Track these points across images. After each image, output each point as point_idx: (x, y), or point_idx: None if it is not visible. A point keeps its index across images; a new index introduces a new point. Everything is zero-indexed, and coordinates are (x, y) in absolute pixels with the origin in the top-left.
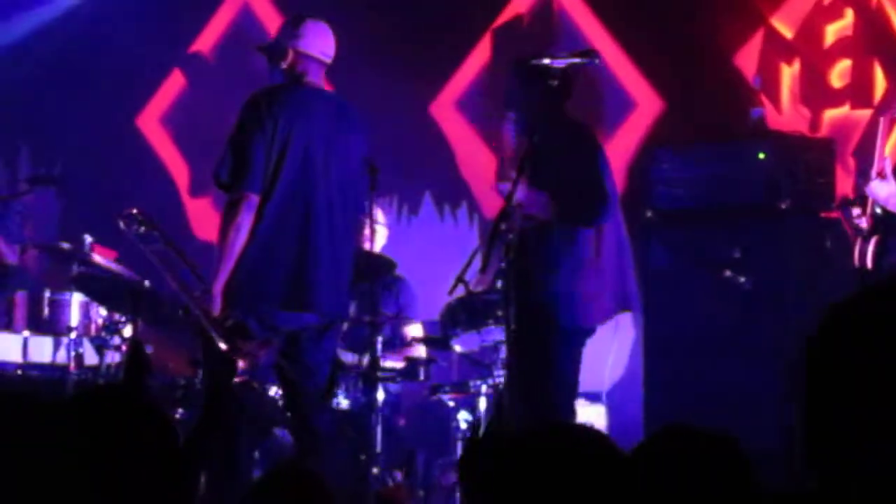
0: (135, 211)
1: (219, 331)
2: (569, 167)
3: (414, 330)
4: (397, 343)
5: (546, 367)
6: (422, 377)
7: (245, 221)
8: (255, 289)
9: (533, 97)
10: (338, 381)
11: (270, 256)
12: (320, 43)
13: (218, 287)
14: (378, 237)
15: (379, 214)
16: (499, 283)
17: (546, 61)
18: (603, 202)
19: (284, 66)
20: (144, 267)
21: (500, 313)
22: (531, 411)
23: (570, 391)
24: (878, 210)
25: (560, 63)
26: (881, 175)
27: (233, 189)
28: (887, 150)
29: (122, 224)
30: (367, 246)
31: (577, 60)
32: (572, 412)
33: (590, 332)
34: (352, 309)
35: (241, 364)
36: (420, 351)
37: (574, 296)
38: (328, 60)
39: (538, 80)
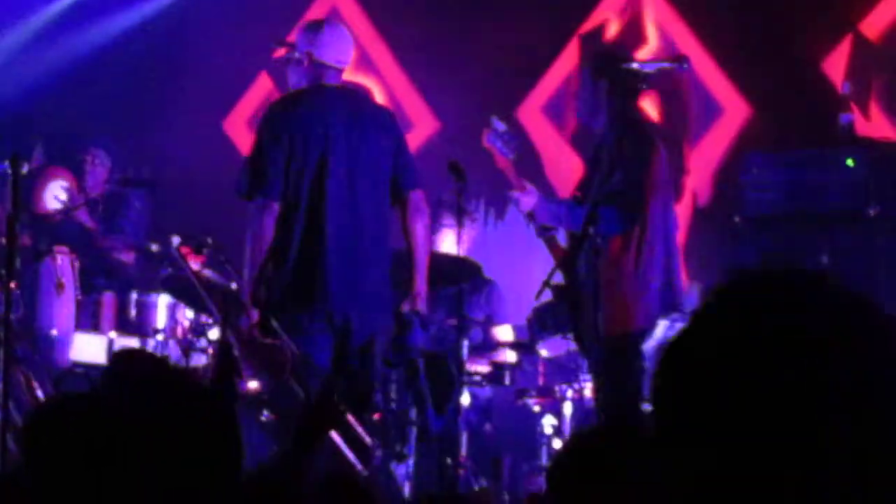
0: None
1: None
2: (624, 168)
3: (503, 333)
4: (486, 347)
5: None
6: (508, 381)
7: (265, 229)
8: (302, 290)
9: (611, 99)
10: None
11: (307, 258)
12: (336, 50)
13: (246, 296)
14: (463, 240)
15: (465, 218)
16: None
17: (635, 65)
18: (640, 207)
19: (301, 71)
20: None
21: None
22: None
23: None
24: None
25: (649, 67)
26: None
27: (251, 198)
28: None
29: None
30: (453, 249)
31: (666, 65)
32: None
33: (644, 332)
34: (440, 312)
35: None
36: (508, 355)
37: (624, 297)
38: (345, 67)
39: (615, 82)
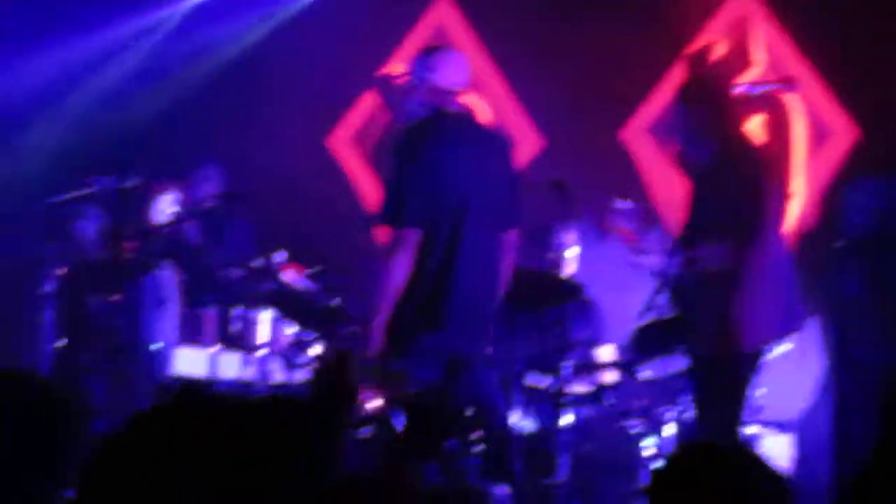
0: None
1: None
2: (734, 193)
3: (605, 354)
4: (588, 368)
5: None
6: (608, 402)
7: (405, 258)
8: (428, 315)
9: (706, 124)
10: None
11: (441, 286)
12: (452, 74)
13: (378, 323)
14: (570, 260)
15: (571, 237)
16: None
17: (744, 88)
18: (759, 232)
19: (418, 98)
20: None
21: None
22: (717, 437)
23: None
24: None
25: (758, 89)
26: None
27: (394, 226)
28: None
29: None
30: (557, 269)
31: (774, 87)
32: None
33: (762, 353)
34: (543, 334)
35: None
36: (608, 376)
37: (745, 318)
38: (462, 88)
39: (714, 106)
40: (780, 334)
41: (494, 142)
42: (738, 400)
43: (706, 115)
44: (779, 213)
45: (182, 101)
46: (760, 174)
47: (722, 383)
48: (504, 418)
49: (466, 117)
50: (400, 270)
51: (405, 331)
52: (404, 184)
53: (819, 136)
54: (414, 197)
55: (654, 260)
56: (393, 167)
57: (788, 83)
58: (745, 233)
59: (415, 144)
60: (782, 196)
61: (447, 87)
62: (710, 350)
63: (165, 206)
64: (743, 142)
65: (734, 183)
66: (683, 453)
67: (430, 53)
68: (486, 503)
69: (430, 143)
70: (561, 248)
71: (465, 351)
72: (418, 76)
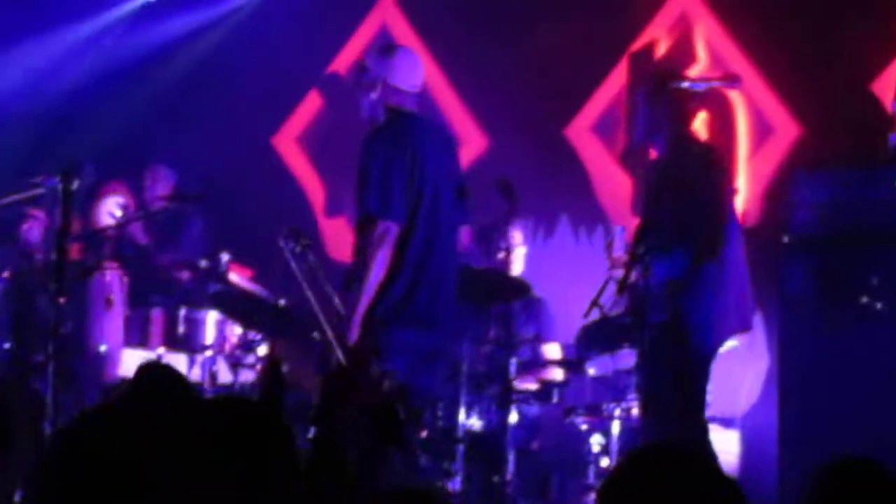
0: (296, 228)
1: (348, 356)
2: (692, 192)
3: (551, 351)
4: (535, 365)
5: (679, 389)
6: (555, 400)
7: (389, 251)
8: (404, 314)
9: (665, 119)
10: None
11: (417, 282)
12: (410, 74)
13: (358, 316)
14: (516, 259)
15: (517, 236)
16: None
17: (686, 84)
18: (720, 233)
19: (374, 96)
20: (280, 285)
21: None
22: (668, 434)
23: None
24: None
25: (701, 86)
26: None
27: (380, 220)
28: None
29: (282, 240)
30: (505, 267)
31: (717, 84)
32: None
33: (715, 353)
34: (490, 331)
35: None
36: (555, 373)
37: (701, 318)
38: (417, 90)
39: (673, 102)
40: (731, 333)
41: (450, 142)
42: (693, 400)
43: (667, 111)
44: (733, 210)
45: (131, 101)
46: (719, 170)
47: (676, 383)
48: (456, 416)
49: (425, 117)
50: (385, 263)
51: (381, 325)
52: (392, 179)
53: (762, 132)
54: (399, 191)
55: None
56: (374, 162)
57: (731, 80)
58: (701, 230)
59: (390, 142)
60: (733, 193)
61: (406, 87)
62: (665, 349)
63: (112, 208)
64: (699, 138)
65: (692, 179)
66: (634, 456)
67: (390, 52)
68: (438, 500)
69: (406, 141)
70: (508, 246)
71: (441, 347)
72: (377, 74)
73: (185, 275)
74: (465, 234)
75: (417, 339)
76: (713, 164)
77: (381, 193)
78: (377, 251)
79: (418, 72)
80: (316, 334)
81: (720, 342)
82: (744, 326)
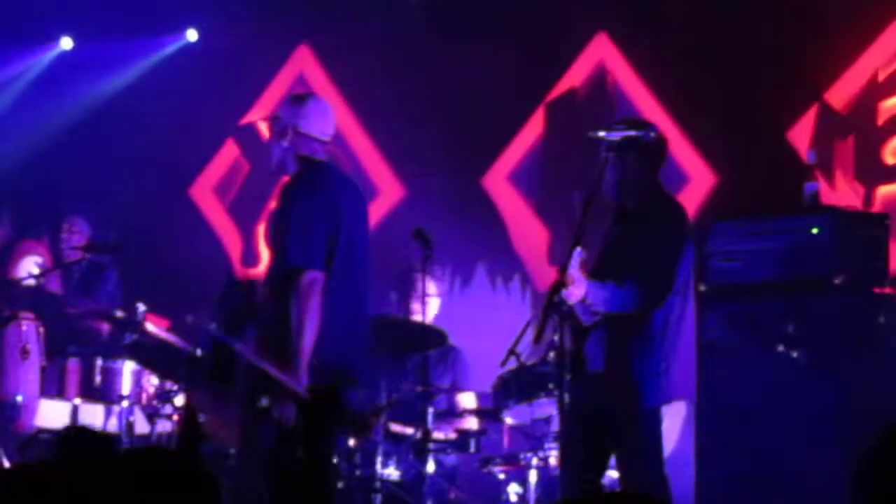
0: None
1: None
2: (655, 246)
3: (467, 400)
4: (451, 414)
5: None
6: (473, 449)
7: (318, 301)
8: (349, 360)
9: (640, 172)
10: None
11: (346, 328)
12: (321, 123)
13: (302, 365)
14: (431, 308)
15: (431, 286)
16: (551, 356)
17: (601, 133)
18: (666, 289)
19: (286, 144)
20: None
21: (551, 386)
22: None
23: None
24: None
25: (615, 135)
26: None
27: (305, 271)
28: None
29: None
30: (419, 317)
31: (632, 133)
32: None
33: (654, 411)
34: (405, 381)
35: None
36: (472, 422)
37: (651, 368)
38: (328, 139)
39: (642, 152)
40: (678, 395)
41: (360, 192)
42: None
43: (630, 163)
44: (690, 273)
45: (47, 150)
46: (683, 229)
47: (637, 437)
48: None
49: (336, 166)
50: (317, 314)
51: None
52: (309, 228)
53: (678, 182)
54: (319, 241)
55: (578, 291)
56: (292, 213)
57: (646, 129)
58: (660, 282)
59: (309, 189)
60: (692, 254)
61: (317, 135)
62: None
63: (30, 268)
64: (667, 192)
65: (657, 234)
66: None
67: (301, 101)
68: None
69: (321, 189)
70: (423, 296)
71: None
72: (289, 122)
73: (103, 325)
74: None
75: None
76: (678, 220)
77: (301, 244)
78: (307, 302)
79: (330, 120)
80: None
81: (663, 400)
82: (688, 394)
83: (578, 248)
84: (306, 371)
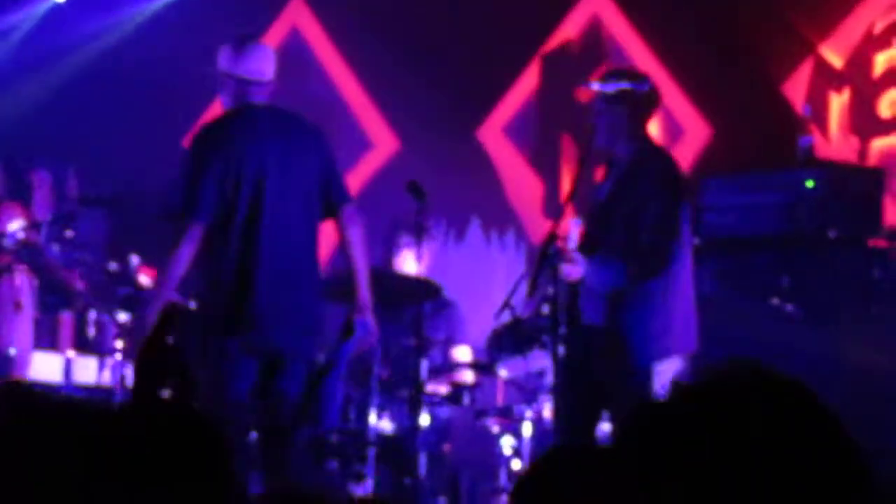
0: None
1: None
2: (648, 204)
3: (462, 354)
4: (446, 368)
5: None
6: (466, 402)
7: (187, 251)
8: (236, 314)
9: (632, 125)
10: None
11: (241, 283)
12: (257, 65)
13: (152, 311)
14: (423, 262)
15: (425, 239)
16: (545, 309)
17: (595, 85)
18: (669, 250)
19: (227, 90)
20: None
21: (545, 339)
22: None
23: None
24: None
25: (609, 87)
26: None
27: (182, 218)
28: None
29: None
30: (411, 270)
31: (625, 85)
32: None
33: (647, 369)
34: (400, 333)
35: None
36: (466, 376)
37: (643, 331)
38: (268, 79)
39: (634, 106)
40: (672, 353)
41: (301, 131)
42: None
43: (622, 114)
44: (686, 227)
45: (40, 103)
46: (677, 183)
47: (630, 393)
48: (366, 419)
49: (277, 111)
50: (184, 262)
51: (214, 336)
52: (198, 179)
53: (673, 133)
54: (206, 190)
55: (577, 270)
56: (187, 160)
57: (640, 81)
58: (652, 244)
59: (208, 138)
60: (689, 208)
61: (252, 78)
62: (598, 356)
63: (16, 230)
64: (660, 146)
65: (650, 190)
66: (548, 455)
67: (232, 45)
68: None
69: (224, 136)
70: (419, 248)
71: (285, 347)
72: (224, 69)
73: (94, 278)
74: (351, 211)
75: (258, 344)
76: (673, 176)
77: (187, 192)
78: (178, 248)
79: (266, 61)
80: None
81: (659, 358)
82: (687, 348)
83: (577, 220)
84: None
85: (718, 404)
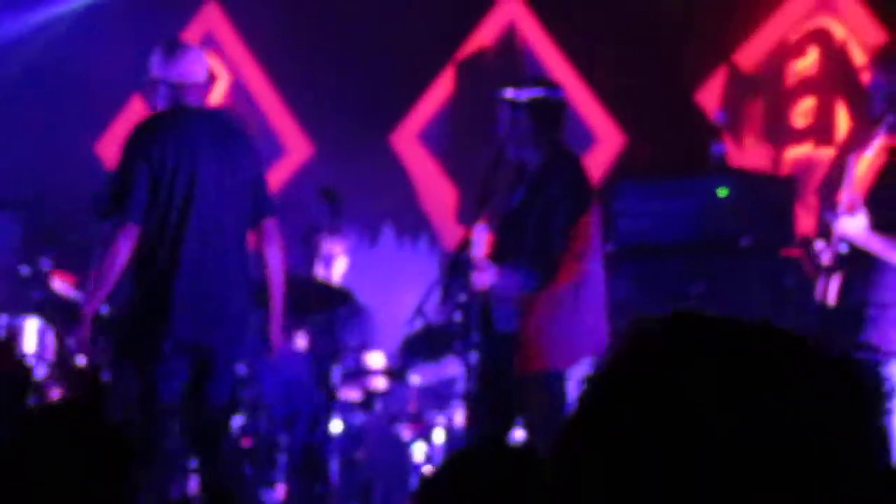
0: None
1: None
2: (557, 208)
3: (375, 360)
4: (358, 374)
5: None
6: (379, 409)
7: (121, 250)
8: (168, 314)
9: (540, 130)
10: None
11: (169, 284)
12: (188, 68)
13: (89, 310)
14: (338, 267)
15: (338, 246)
16: (457, 316)
17: (509, 92)
18: (572, 263)
19: (160, 96)
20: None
21: (457, 346)
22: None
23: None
24: (844, 248)
25: (522, 94)
26: (851, 210)
27: (109, 217)
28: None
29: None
30: (324, 275)
31: (539, 93)
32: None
33: (560, 374)
34: (309, 340)
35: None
36: (379, 382)
37: (556, 334)
38: (201, 81)
39: (545, 110)
40: (584, 355)
41: (235, 136)
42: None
43: (527, 120)
44: (596, 230)
45: None
46: (586, 188)
47: (542, 399)
48: (273, 424)
49: (212, 115)
50: (121, 262)
51: (133, 329)
52: (129, 178)
53: (586, 142)
54: (136, 190)
55: (486, 277)
56: (119, 161)
57: (552, 88)
58: (560, 248)
59: (139, 139)
60: (598, 212)
61: (185, 81)
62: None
63: None
64: (570, 151)
65: (559, 194)
66: (452, 459)
67: (163, 48)
68: None
69: (155, 138)
70: (330, 254)
71: (215, 348)
72: (156, 73)
73: (1, 281)
74: (272, 225)
75: (186, 342)
76: (580, 180)
77: (120, 193)
78: (114, 248)
79: (197, 63)
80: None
81: (570, 362)
82: (599, 350)
83: (483, 226)
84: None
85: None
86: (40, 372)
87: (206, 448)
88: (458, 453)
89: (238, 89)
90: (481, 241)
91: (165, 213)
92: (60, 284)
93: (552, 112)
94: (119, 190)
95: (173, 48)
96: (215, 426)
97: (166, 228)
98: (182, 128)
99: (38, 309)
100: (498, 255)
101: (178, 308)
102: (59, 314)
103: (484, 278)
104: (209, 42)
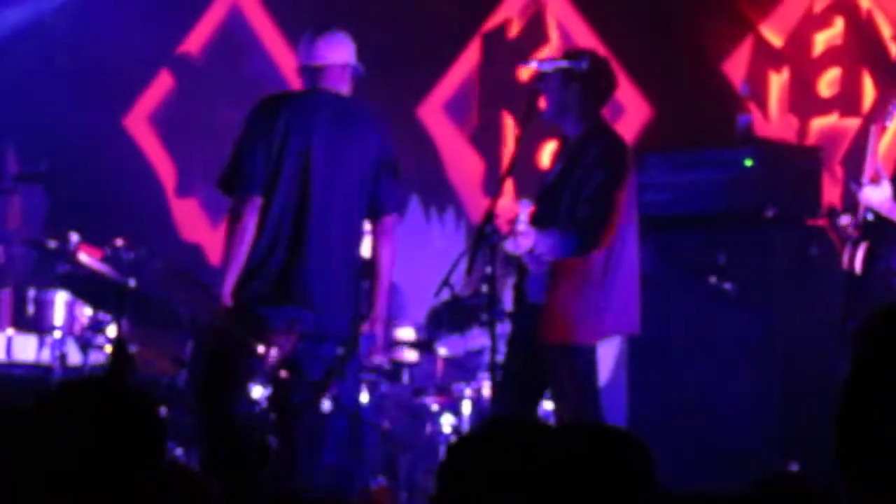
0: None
1: (247, 334)
2: (594, 184)
3: (403, 332)
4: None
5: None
6: (406, 380)
7: (249, 224)
8: (255, 288)
9: (583, 103)
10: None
11: (269, 257)
12: (324, 52)
13: (226, 290)
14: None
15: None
16: (483, 288)
17: (534, 64)
18: (611, 229)
19: (304, 82)
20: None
21: (484, 317)
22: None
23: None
24: (870, 216)
25: (547, 66)
26: (875, 180)
27: (234, 192)
28: (879, 156)
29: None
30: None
31: (564, 64)
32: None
33: (583, 348)
34: None
35: (272, 356)
36: (407, 354)
37: (582, 308)
38: (336, 63)
39: (585, 82)
40: (611, 332)
41: (354, 122)
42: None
43: (574, 91)
44: (632, 210)
45: None
46: (624, 165)
47: (571, 372)
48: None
49: (340, 99)
50: (245, 237)
51: (248, 303)
52: (249, 152)
53: (612, 112)
54: (257, 165)
55: (526, 241)
56: (242, 134)
57: (578, 59)
58: (596, 221)
59: (268, 114)
60: (635, 191)
61: (319, 64)
62: (551, 336)
63: None
64: (609, 126)
65: (596, 169)
66: (479, 430)
67: (306, 39)
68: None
69: (281, 115)
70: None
71: (322, 327)
72: (300, 59)
73: (29, 255)
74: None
75: (299, 318)
76: (617, 152)
77: (236, 166)
78: (236, 224)
79: (342, 48)
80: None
81: (597, 336)
82: (629, 329)
83: (525, 200)
84: (228, 294)
85: None
86: (67, 344)
87: (287, 424)
88: (485, 424)
89: (265, 63)
90: (524, 214)
91: (281, 191)
92: (87, 258)
93: (601, 87)
94: (241, 164)
95: (313, 35)
96: (301, 403)
97: (281, 206)
98: (302, 107)
99: (66, 282)
100: (535, 225)
101: (287, 286)
102: (86, 288)
103: (524, 242)
104: (236, 15)
